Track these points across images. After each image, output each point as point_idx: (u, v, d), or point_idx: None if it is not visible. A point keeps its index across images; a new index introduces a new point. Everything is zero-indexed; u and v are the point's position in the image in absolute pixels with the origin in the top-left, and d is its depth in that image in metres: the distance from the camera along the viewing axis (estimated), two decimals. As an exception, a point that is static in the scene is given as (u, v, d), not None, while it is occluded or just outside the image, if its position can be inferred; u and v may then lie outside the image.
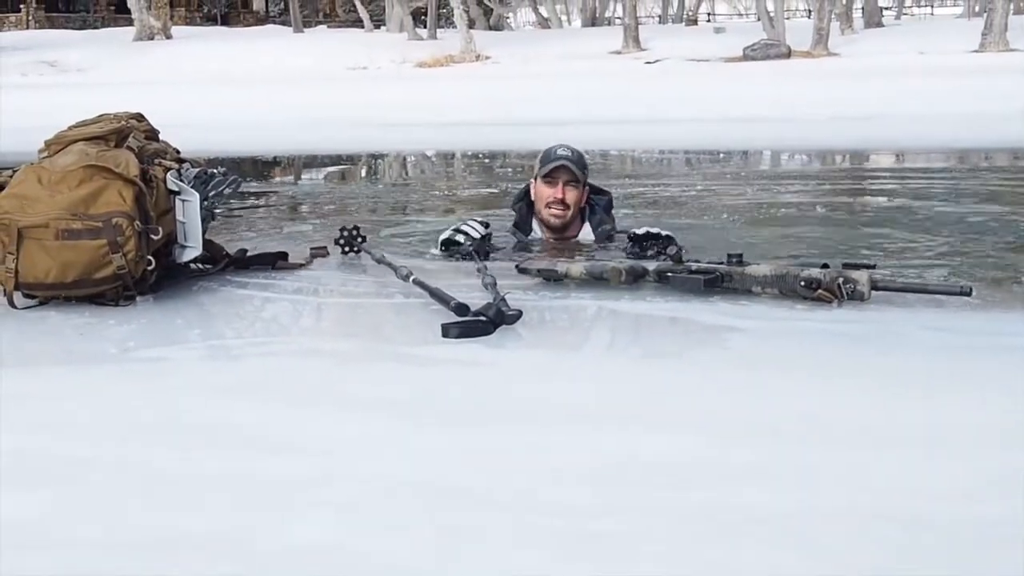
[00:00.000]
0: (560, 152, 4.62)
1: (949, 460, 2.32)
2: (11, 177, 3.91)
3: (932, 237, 5.16)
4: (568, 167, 4.58)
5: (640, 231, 4.38)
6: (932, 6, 65.88)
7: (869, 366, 3.01)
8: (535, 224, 4.78)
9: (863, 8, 37.28)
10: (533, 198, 4.73)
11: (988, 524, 2.00)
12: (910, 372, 2.96)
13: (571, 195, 4.63)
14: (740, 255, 3.79)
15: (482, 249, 4.41)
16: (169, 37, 36.93)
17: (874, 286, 3.56)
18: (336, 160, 10.67)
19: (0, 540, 2.01)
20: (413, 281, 3.89)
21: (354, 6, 43.15)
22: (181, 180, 3.96)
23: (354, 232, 4.64)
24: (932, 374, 2.95)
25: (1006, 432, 2.48)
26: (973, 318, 3.52)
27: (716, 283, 3.73)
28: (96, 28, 42.99)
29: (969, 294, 3.50)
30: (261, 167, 10.48)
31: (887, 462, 2.30)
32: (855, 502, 2.09)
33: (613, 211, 4.91)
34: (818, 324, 3.40)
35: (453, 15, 34.53)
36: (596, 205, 4.77)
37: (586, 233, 4.75)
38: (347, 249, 4.62)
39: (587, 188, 4.74)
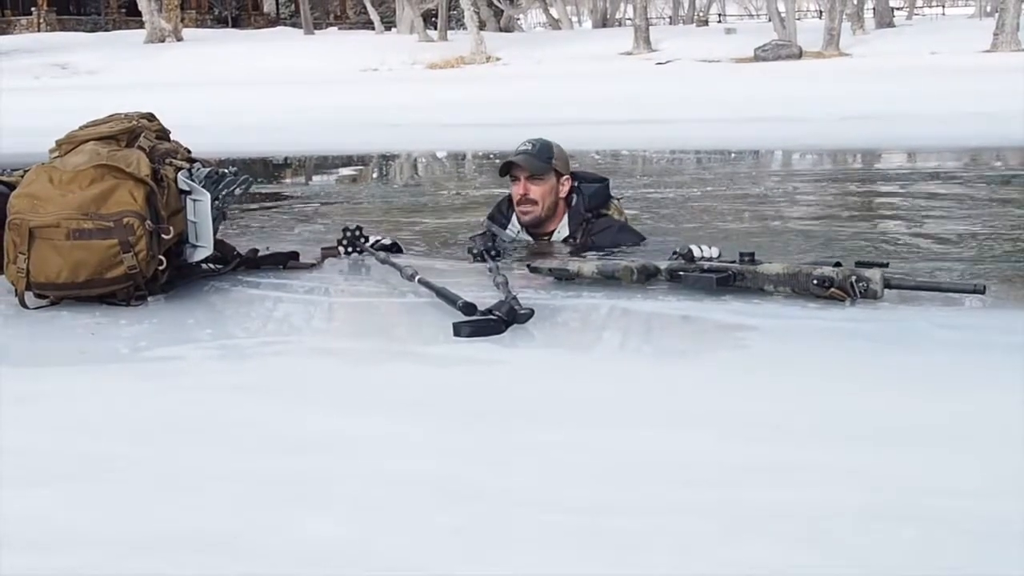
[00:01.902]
0: (519, 148, 4.56)
1: (964, 458, 2.30)
2: (22, 177, 3.91)
3: (945, 235, 5.14)
4: (520, 163, 4.50)
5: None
6: (943, 6, 65.80)
7: (882, 364, 3.00)
8: (514, 218, 4.70)
9: (874, 8, 37.20)
10: None
11: (1004, 521, 1.99)
12: (923, 370, 2.95)
13: (536, 190, 4.54)
14: (752, 254, 3.77)
15: (493, 248, 4.39)
16: (180, 39, 37.01)
17: (887, 284, 3.54)
18: (347, 161, 10.68)
19: (13, 537, 2.01)
20: (419, 281, 3.88)
21: (364, 8, 43.20)
22: (192, 180, 3.96)
23: (356, 232, 4.62)
24: (946, 372, 2.94)
25: (1021, 429, 2.47)
26: (987, 316, 3.50)
27: (728, 282, 3.71)
28: (107, 30, 43.09)
29: (983, 292, 3.48)
30: (272, 168, 10.49)
31: (901, 460, 2.29)
32: (869, 500, 2.08)
33: (616, 199, 4.84)
34: (831, 323, 3.38)
35: (464, 17, 34.54)
36: (580, 195, 4.64)
37: (563, 227, 4.64)
38: (350, 250, 4.60)
39: (567, 177, 4.62)
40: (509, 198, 4.73)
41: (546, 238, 4.66)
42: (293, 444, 2.48)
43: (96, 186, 3.75)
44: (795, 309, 3.52)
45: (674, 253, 3.91)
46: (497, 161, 10.07)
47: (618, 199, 4.91)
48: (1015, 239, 5.05)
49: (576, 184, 4.66)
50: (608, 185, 4.76)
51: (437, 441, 2.48)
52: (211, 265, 4.26)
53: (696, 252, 3.84)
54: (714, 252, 3.86)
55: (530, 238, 4.65)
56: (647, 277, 3.86)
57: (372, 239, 4.63)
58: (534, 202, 4.56)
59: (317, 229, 5.85)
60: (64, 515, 2.12)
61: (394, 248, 4.63)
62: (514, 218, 4.71)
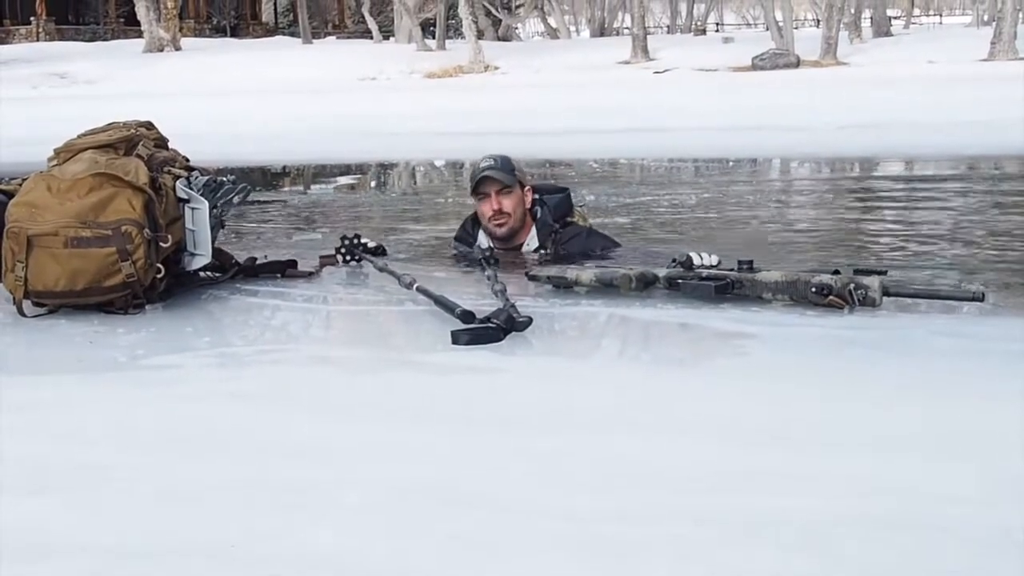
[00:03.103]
0: (483, 165, 4.57)
1: (963, 465, 2.30)
2: (21, 185, 3.91)
3: (943, 243, 5.14)
4: (491, 177, 4.53)
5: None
6: (941, 15, 65.98)
7: (881, 372, 3.00)
8: (481, 236, 4.71)
9: (872, 18, 37.25)
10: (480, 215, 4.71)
11: (1003, 529, 1.98)
12: (922, 378, 2.95)
13: (507, 202, 4.57)
14: (751, 261, 3.77)
15: (492, 257, 4.39)
16: (179, 49, 36.99)
17: (886, 292, 3.54)
18: (345, 170, 10.69)
19: (10, 545, 2.00)
20: (417, 289, 3.88)
21: (363, 17, 43.21)
22: (190, 188, 3.96)
23: (355, 240, 4.62)
24: (944, 380, 2.94)
25: (1020, 437, 2.46)
26: (985, 323, 3.50)
27: (727, 290, 3.70)
28: (106, 40, 43.05)
29: (982, 299, 3.48)
30: (271, 177, 10.49)
31: (900, 467, 2.29)
32: (868, 507, 2.08)
33: (581, 207, 4.86)
34: (829, 330, 3.38)
35: (462, 26, 34.56)
36: (544, 206, 4.68)
37: (532, 239, 4.67)
38: (348, 258, 4.60)
39: (529, 188, 4.67)
40: (472, 217, 4.76)
41: (516, 250, 4.66)
42: (291, 452, 2.48)
43: (94, 194, 3.75)
44: (794, 317, 3.52)
45: (673, 261, 3.90)
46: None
47: (581, 206, 4.92)
48: (1013, 247, 5.05)
49: (539, 197, 4.70)
50: (570, 195, 4.80)
51: (435, 448, 2.48)
52: (209, 273, 4.26)
53: (696, 260, 3.84)
54: (714, 260, 3.86)
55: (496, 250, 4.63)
56: (645, 285, 3.86)
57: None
58: (508, 214, 4.58)
59: (315, 237, 5.85)
60: (61, 523, 2.12)
61: (380, 251, 4.64)
62: (481, 236, 4.71)
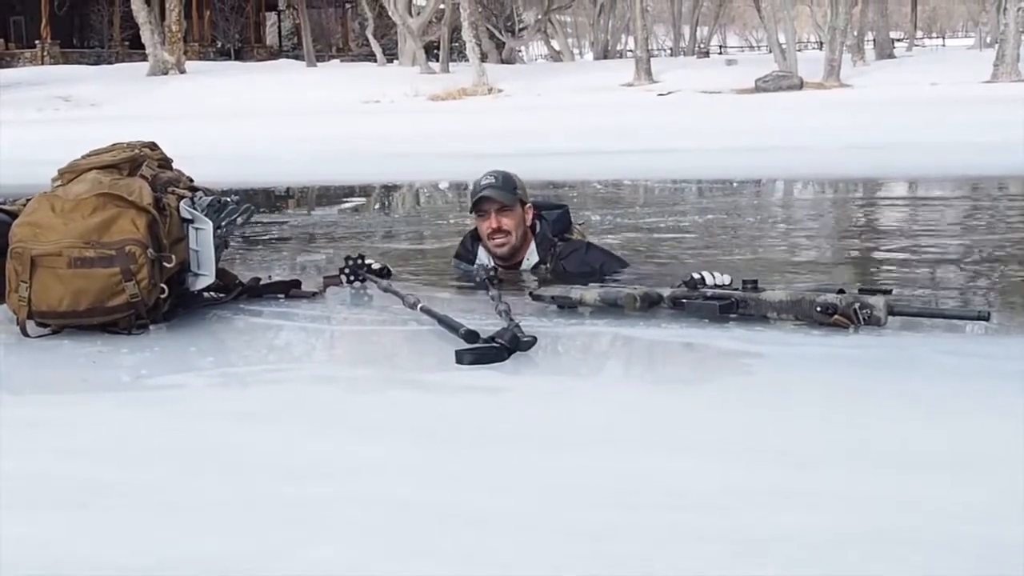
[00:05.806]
0: (484, 182, 4.57)
1: (968, 482, 2.29)
2: (25, 206, 3.91)
3: (947, 262, 5.14)
4: (491, 196, 4.53)
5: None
6: (943, 38, 66.17)
7: (886, 391, 2.99)
8: (481, 252, 4.73)
9: (875, 40, 37.36)
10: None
11: (1008, 546, 1.98)
12: (928, 397, 2.94)
13: (507, 221, 4.58)
14: (755, 281, 3.77)
15: (496, 277, 4.39)
16: (183, 71, 37.15)
17: (891, 311, 3.54)
18: (349, 191, 10.69)
19: (13, 562, 2.00)
20: (421, 309, 3.87)
21: (367, 40, 43.41)
22: (194, 208, 3.96)
23: (359, 261, 4.62)
24: (950, 399, 2.93)
25: (1026, 455, 2.46)
26: (990, 342, 3.50)
27: (731, 309, 3.70)
28: (110, 63, 43.27)
29: (987, 319, 3.48)
30: (274, 198, 10.50)
31: (905, 485, 2.28)
32: (874, 525, 2.07)
33: (580, 225, 4.86)
34: (834, 349, 3.38)
35: (465, 49, 34.69)
36: (544, 221, 4.69)
37: (532, 254, 4.68)
38: (352, 279, 4.59)
39: (530, 206, 4.67)
40: (472, 234, 4.77)
41: (516, 267, 4.68)
42: (293, 470, 2.47)
43: (98, 215, 3.75)
44: (798, 336, 3.51)
45: (681, 283, 3.89)
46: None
47: (580, 224, 4.91)
48: (1017, 266, 5.04)
49: (538, 212, 4.71)
50: (568, 211, 4.80)
51: (438, 467, 2.47)
52: (213, 293, 4.26)
53: (709, 279, 3.83)
54: (726, 279, 3.86)
55: (500, 270, 4.60)
56: (650, 304, 3.85)
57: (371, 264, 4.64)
58: (507, 233, 4.59)
59: (319, 258, 5.85)
60: (64, 540, 2.11)
61: (384, 272, 4.63)
62: (480, 252, 4.73)
